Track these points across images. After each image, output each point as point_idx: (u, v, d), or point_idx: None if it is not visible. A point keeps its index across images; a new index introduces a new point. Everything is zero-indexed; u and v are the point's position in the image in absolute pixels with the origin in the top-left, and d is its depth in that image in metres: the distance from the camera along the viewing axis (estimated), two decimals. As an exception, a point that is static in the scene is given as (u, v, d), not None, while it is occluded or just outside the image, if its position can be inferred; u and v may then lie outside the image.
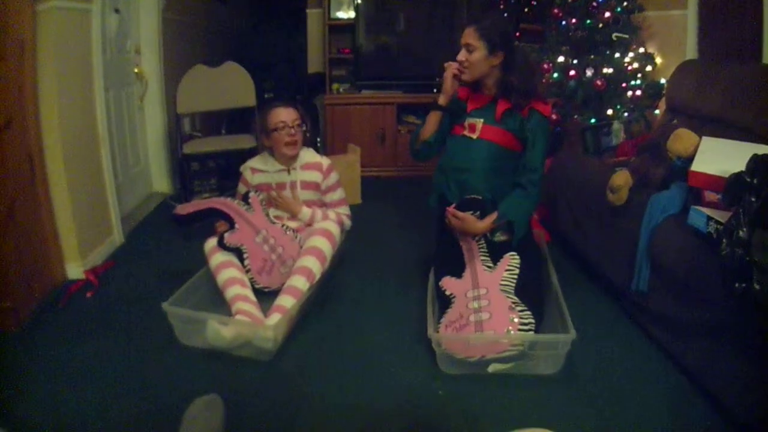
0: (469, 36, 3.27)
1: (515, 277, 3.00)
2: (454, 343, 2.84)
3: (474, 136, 3.36)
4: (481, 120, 3.36)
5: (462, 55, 3.30)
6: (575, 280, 3.79)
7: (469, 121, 3.40)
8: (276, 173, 3.73)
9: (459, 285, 3.06)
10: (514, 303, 2.87)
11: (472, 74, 3.34)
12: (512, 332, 2.77)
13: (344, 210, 3.88)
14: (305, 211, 3.70)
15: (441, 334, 2.89)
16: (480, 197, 3.18)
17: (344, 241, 3.85)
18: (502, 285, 2.96)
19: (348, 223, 3.88)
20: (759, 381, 2.31)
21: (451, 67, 3.35)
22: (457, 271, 3.13)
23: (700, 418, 2.54)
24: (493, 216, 3.15)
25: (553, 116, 3.41)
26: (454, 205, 3.20)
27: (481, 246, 3.16)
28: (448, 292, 3.06)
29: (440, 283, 3.12)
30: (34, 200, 3.53)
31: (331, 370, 2.93)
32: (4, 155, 3.24)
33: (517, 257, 3.07)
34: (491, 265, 3.08)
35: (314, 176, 3.77)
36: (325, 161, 3.84)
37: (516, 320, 2.80)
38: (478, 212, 3.15)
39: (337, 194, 3.86)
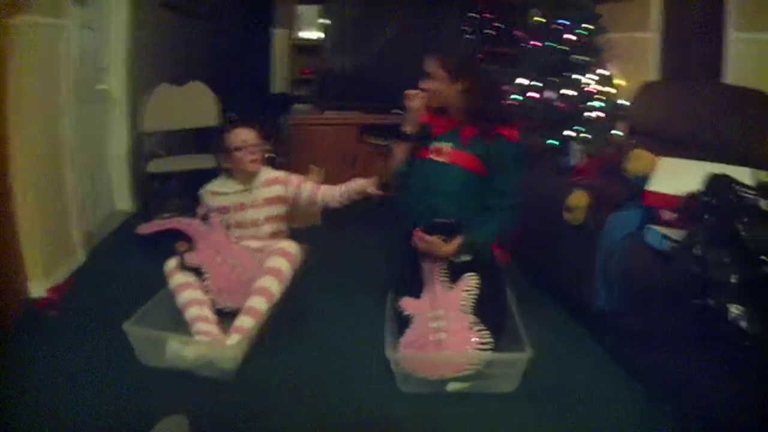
0: (431, 64, 3.30)
1: (474, 297, 3.03)
2: (414, 362, 2.87)
3: (445, 161, 3.35)
4: (450, 144, 3.36)
5: (426, 84, 3.34)
6: (538, 298, 3.84)
7: (436, 145, 3.40)
8: (235, 194, 3.71)
9: (418, 305, 3.08)
10: (473, 323, 2.91)
11: (438, 101, 3.36)
12: (471, 351, 2.81)
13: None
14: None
15: (400, 354, 2.91)
16: (448, 220, 3.19)
17: (305, 261, 3.86)
18: (461, 305, 2.99)
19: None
20: (720, 393, 2.37)
21: (418, 97, 3.38)
22: (416, 291, 3.16)
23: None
24: (459, 240, 3.17)
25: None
26: (422, 228, 3.21)
27: (441, 266, 3.19)
28: (406, 313, 3.08)
29: (399, 304, 3.14)
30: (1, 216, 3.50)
31: (291, 390, 2.94)
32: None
33: (476, 277, 3.10)
34: (451, 285, 3.11)
35: (277, 190, 3.77)
36: (281, 173, 3.87)
37: (475, 339, 2.84)
38: (444, 236, 3.18)
39: (307, 186, 3.83)
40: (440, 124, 3.44)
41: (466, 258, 3.21)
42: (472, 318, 2.94)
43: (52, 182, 4.08)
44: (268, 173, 3.80)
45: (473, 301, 3.01)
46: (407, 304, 3.11)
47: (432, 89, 3.33)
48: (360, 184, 3.63)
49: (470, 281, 3.09)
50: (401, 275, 3.39)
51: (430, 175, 3.38)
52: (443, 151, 3.37)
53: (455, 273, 3.17)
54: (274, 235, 3.76)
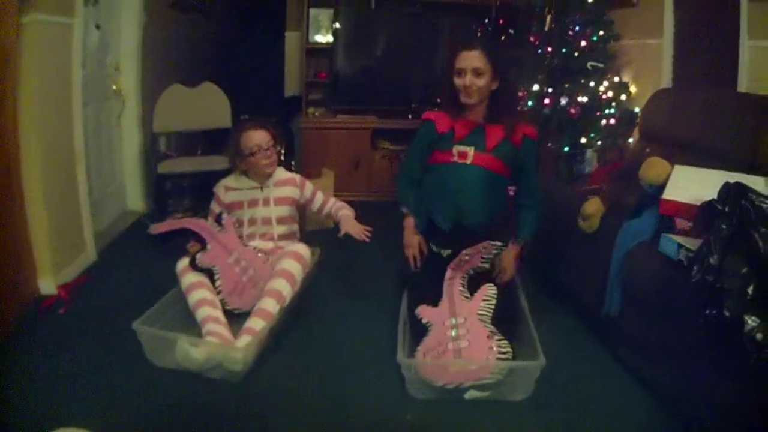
0: (478, 59, 3.21)
1: (492, 306, 3.02)
2: (431, 370, 2.84)
3: (467, 162, 3.32)
4: (472, 147, 3.32)
5: (469, 80, 3.24)
6: (548, 305, 3.81)
7: (458, 149, 3.34)
8: (249, 190, 3.73)
9: (436, 313, 3.05)
10: (491, 332, 2.90)
11: (479, 98, 3.31)
12: (491, 360, 2.80)
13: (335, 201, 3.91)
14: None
15: (417, 360, 2.89)
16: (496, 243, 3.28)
17: (316, 264, 3.85)
18: (479, 314, 2.98)
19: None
20: (732, 405, 2.34)
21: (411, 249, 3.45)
22: (432, 299, 3.13)
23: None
24: (519, 245, 3.36)
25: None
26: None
27: (461, 276, 3.18)
28: (425, 320, 3.05)
29: (417, 311, 3.10)
30: (11, 211, 3.49)
31: (300, 393, 2.93)
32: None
33: (495, 288, 3.10)
34: (468, 295, 3.10)
35: (289, 191, 3.79)
36: (297, 176, 3.89)
37: (494, 348, 2.83)
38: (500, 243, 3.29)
39: (320, 196, 3.88)
40: (462, 126, 3.38)
41: (484, 266, 3.23)
42: (490, 327, 2.93)
43: (63, 180, 4.09)
44: (282, 173, 3.81)
45: (491, 311, 3.00)
46: (425, 311, 3.08)
47: (475, 85, 3.25)
48: (350, 226, 3.67)
49: (488, 291, 3.08)
50: (416, 281, 3.38)
51: (453, 175, 3.35)
52: (466, 154, 3.33)
53: (472, 282, 3.17)
54: (286, 236, 3.77)
